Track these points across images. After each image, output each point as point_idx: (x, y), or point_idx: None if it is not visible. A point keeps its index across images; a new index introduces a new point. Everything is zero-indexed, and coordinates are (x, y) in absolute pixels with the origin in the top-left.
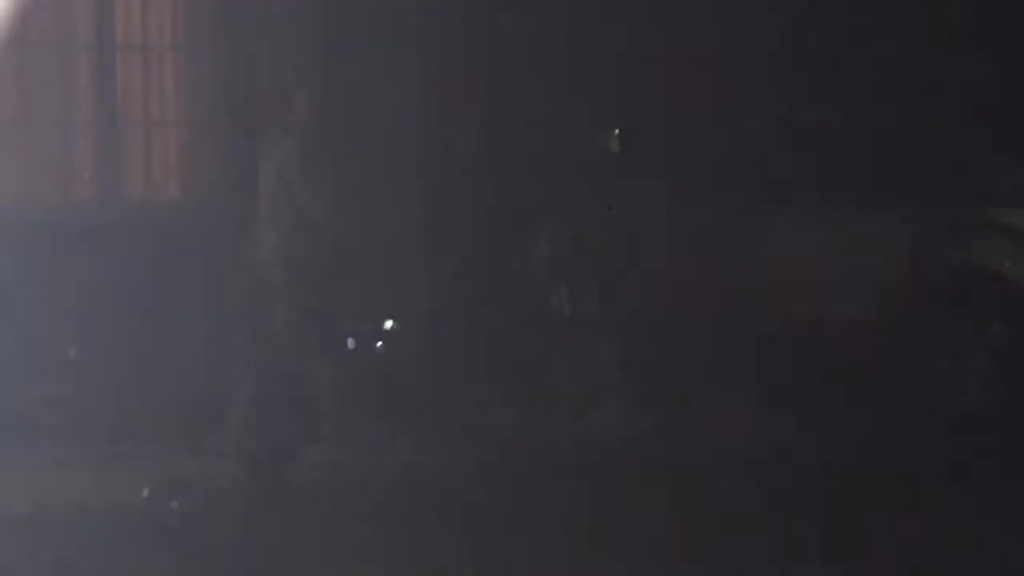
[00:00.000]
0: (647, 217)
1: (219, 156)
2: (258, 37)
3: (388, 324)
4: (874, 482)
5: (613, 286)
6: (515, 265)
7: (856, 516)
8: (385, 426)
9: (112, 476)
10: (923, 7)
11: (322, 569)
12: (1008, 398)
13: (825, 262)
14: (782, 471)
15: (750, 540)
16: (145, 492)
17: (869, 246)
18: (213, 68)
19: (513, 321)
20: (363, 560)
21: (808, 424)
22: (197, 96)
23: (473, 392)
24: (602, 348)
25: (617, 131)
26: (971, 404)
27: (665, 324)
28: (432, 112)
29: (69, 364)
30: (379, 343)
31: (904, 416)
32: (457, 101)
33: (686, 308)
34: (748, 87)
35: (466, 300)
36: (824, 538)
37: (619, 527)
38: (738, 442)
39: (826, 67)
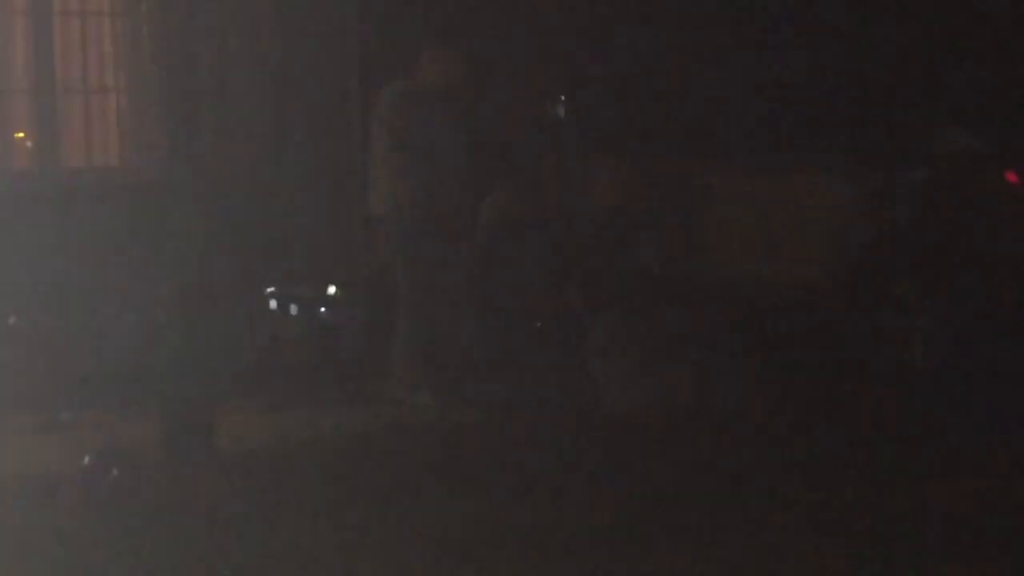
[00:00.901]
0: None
1: (161, 123)
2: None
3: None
4: (818, 442)
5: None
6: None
7: (800, 477)
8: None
9: (52, 444)
10: None
11: (265, 537)
12: (951, 358)
13: (768, 221)
14: (729, 433)
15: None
16: (85, 460)
17: (812, 205)
18: (151, 33)
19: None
20: (307, 527)
21: (749, 384)
22: (137, 62)
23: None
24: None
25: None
26: (915, 364)
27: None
28: None
29: (8, 331)
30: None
31: (849, 376)
32: None
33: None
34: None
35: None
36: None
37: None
38: (682, 403)
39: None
